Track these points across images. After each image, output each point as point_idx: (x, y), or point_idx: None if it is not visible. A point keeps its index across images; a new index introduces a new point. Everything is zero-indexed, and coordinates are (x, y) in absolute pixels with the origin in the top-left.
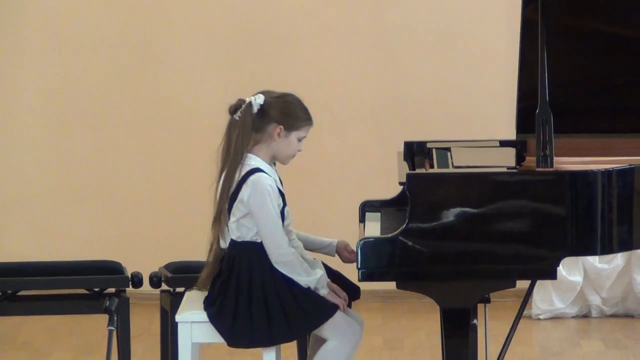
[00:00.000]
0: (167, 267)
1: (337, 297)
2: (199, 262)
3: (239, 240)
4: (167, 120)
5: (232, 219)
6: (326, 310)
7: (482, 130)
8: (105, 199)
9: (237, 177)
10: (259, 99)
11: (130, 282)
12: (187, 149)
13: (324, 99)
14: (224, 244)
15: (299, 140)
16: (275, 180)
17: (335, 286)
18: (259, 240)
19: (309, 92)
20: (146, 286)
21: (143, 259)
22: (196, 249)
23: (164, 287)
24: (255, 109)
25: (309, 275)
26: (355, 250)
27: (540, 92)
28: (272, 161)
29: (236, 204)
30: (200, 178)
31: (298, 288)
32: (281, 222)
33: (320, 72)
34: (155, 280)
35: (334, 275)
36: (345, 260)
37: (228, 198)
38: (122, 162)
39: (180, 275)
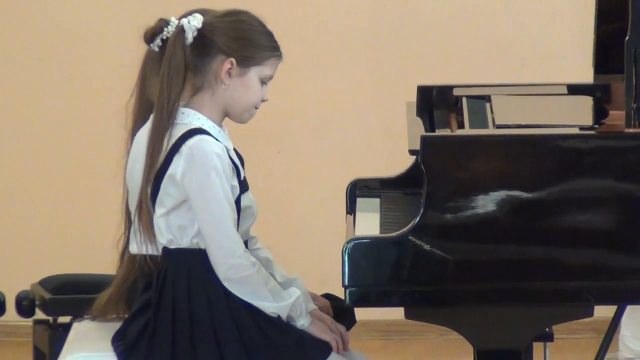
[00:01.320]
0: (44, 283)
1: (327, 330)
2: (93, 277)
3: (172, 247)
4: (48, 53)
5: (160, 211)
6: (312, 352)
7: (540, 69)
8: None
9: (166, 145)
10: (195, 20)
11: None
12: (76, 103)
13: (296, 24)
14: (136, 249)
15: (263, 82)
16: (228, 149)
17: (324, 316)
18: (202, 246)
19: (273, 14)
20: (11, 314)
21: (5, 272)
22: (89, 255)
23: (40, 315)
24: (190, 35)
25: (278, 300)
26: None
27: (632, 10)
28: (222, 119)
29: (164, 186)
30: (98, 149)
31: (266, 317)
32: (235, 215)
33: None
34: (25, 305)
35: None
36: None
37: (152, 178)
38: None
39: (64, 297)
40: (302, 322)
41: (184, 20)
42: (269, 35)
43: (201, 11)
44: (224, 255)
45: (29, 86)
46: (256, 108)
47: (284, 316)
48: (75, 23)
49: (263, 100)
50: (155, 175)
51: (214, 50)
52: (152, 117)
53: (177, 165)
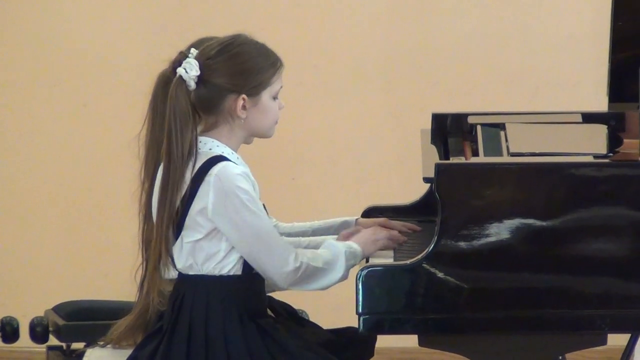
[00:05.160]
0: (58, 310)
1: (376, 233)
2: (107, 303)
3: (191, 273)
4: (62, 78)
5: (190, 237)
6: None
7: (554, 97)
8: None
9: (189, 176)
10: (192, 70)
11: None
12: (89, 128)
13: (310, 52)
14: (166, 273)
15: (274, 98)
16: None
17: (364, 230)
18: (222, 272)
19: (287, 42)
20: (25, 340)
21: (19, 298)
22: (103, 282)
23: (53, 341)
24: (192, 83)
25: (334, 268)
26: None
27: None
28: (244, 142)
29: (192, 217)
30: (111, 173)
31: (280, 347)
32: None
33: (300, 8)
34: (38, 331)
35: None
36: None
37: (175, 216)
38: None
39: (78, 323)
40: (353, 260)
41: (181, 70)
42: (265, 54)
43: (196, 45)
44: (278, 267)
45: (43, 111)
46: (277, 121)
47: (347, 273)
48: (88, 49)
49: (281, 108)
50: (181, 202)
51: (222, 92)
52: (161, 167)
53: (208, 196)
